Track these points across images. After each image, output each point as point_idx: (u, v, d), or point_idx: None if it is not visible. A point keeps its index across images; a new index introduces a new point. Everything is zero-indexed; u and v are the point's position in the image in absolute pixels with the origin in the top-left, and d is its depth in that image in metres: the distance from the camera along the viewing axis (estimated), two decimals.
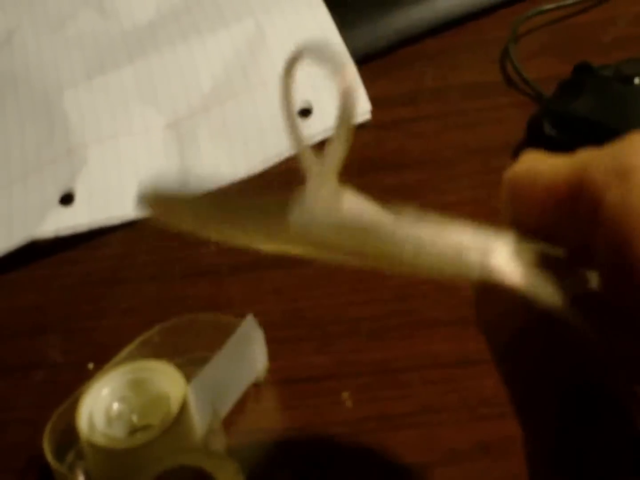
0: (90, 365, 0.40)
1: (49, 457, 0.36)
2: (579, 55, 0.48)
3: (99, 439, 0.35)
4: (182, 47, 0.53)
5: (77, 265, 0.46)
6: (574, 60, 0.46)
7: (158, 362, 0.37)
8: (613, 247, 0.19)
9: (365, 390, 0.38)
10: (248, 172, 0.48)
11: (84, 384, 0.37)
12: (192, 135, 0.50)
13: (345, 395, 0.38)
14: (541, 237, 0.21)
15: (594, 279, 0.21)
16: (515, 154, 0.45)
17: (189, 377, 0.36)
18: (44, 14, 0.56)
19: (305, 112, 0.49)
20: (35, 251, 0.46)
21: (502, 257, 0.19)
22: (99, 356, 0.39)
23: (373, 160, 0.48)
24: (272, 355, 0.39)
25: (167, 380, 0.36)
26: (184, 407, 0.35)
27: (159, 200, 0.23)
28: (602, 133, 0.41)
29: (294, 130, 0.22)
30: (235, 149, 0.49)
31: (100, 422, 0.35)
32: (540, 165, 0.22)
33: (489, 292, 0.21)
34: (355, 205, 0.20)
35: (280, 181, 0.47)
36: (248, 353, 0.38)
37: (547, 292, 0.19)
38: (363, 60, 0.52)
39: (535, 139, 0.44)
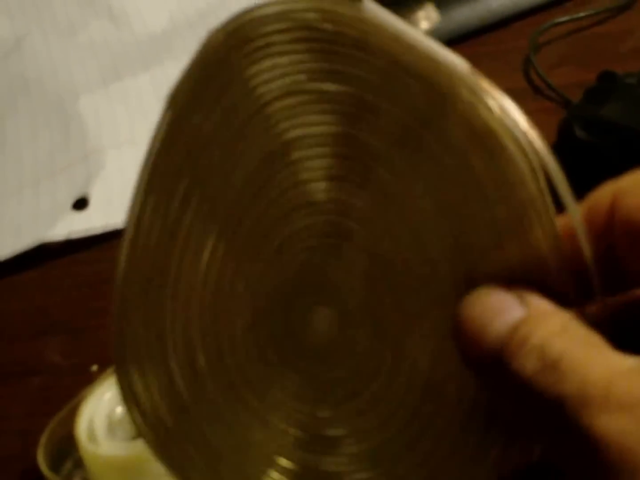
0: (94, 367, 0.38)
1: (44, 468, 0.34)
2: (599, 64, 0.48)
3: (98, 447, 0.33)
4: None
5: (88, 265, 0.45)
6: (594, 69, 0.47)
7: None
8: None
9: None
10: None
11: (85, 388, 0.35)
12: None
13: None
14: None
15: None
16: None
17: None
18: (53, 22, 0.56)
19: None
20: (49, 253, 0.45)
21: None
22: (104, 357, 0.37)
23: None
24: None
25: None
26: None
27: None
28: (630, 136, 0.42)
29: None
30: None
31: (101, 428, 0.34)
32: None
33: None
34: None
35: None
36: None
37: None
38: None
39: (567, 142, 0.45)
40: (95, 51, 0.54)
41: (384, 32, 0.19)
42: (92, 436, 0.33)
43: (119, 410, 0.34)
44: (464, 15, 0.55)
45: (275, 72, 0.20)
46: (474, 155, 0.19)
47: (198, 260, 0.22)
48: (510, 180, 0.19)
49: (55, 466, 0.35)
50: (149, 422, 0.23)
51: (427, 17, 0.55)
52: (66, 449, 0.35)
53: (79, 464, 0.34)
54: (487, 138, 0.19)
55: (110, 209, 0.46)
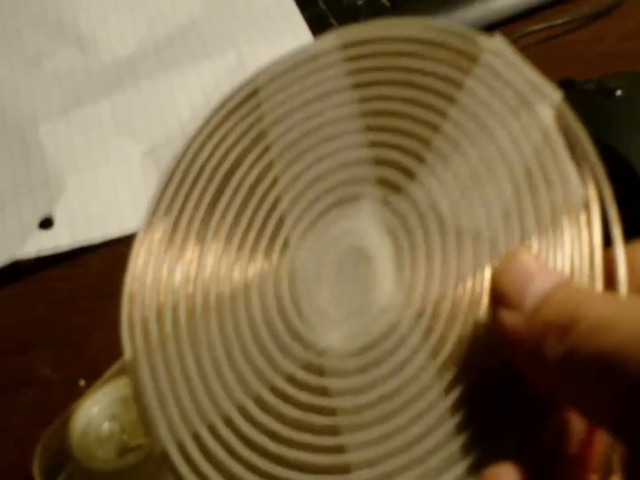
0: (82, 382, 0.40)
1: None
2: (566, 72, 0.47)
3: (90, 461, 0.34)
4: (162, 79, 0.53)
5: (62, 282, 0.46)
6: (560, 76, 0.46)
7: None
8: None
9: None
10: None
11: (75, 401, 0.36)
12: None
13: None
14: None
15: None
16: None
17: None
18: (21, 51, 0.56)
19: None
20: (20, 271, 0.47)
21: None
22: (90, 372, 0.39)
23: None
24: None
25: None
26: None
27: None
28: None
29: None
30: None
31: (91, 442, 0.35)
32: None
33: None
34: None
35: None
36: None
37: None
38: None
39: None
40: (59, 80, 0.54)
41: None
42: (83, 450, 0.35)
43: (106, 425, 0.36)
44: None
45: None
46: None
47: None
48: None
49: (49, 478, 0.36)
50: None
51: None
52: (59, 462, 0.36)
53: (71, 477, 0.36)
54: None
55: (74, 227, 0.48)
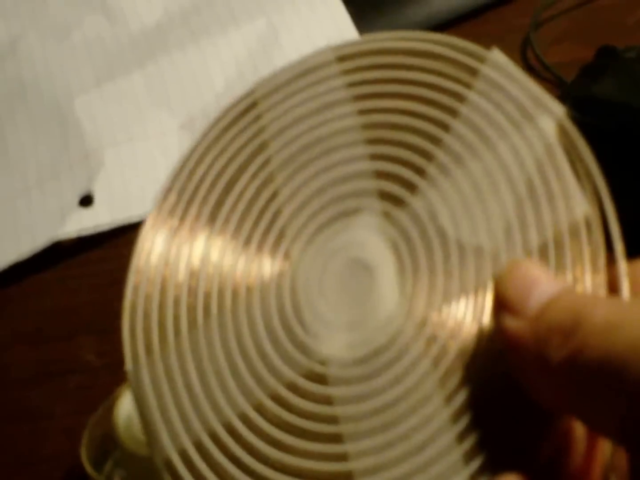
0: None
1: (88, 467, 0.35)
2: (603, 39, 0.46)
3: (137, 447, 0.34)
4: (193, 49, 0.52)
5: (103, 263, 0.46)
6: (597, 44, 0.45)
7: None
8: None
9: None
10: None
11: (119, 387, 0.36)
12: None
13: None
14: None
15: None
16: None
17: None
18: (48, 22, 0.56)
19: None
20: (61, 253, 0.46)
21: None
22: None
23: None
24: None
25: None
26: None
27: None
28: (625, 113, 0.41)
29: None
30: None
31: (137, 428, 0.34)
32: None
33: None
34: None
35: None
36: None
37: None
38: None
39: None
40: (89, 51, 0.54)
41: None
42: (129, 436, 0.34)
43: None
44: None
45: None
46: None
47: None
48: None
49: (98, 464, 0.36)
50: None
51: None
52: (106, 448, 0.36)
53: (118, 463, 0.36)
54: None
55: (114, 205, 0.47)
